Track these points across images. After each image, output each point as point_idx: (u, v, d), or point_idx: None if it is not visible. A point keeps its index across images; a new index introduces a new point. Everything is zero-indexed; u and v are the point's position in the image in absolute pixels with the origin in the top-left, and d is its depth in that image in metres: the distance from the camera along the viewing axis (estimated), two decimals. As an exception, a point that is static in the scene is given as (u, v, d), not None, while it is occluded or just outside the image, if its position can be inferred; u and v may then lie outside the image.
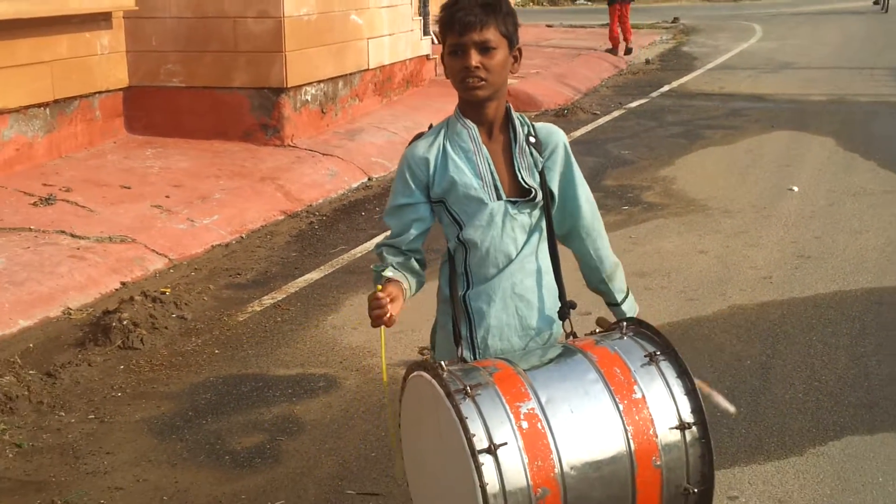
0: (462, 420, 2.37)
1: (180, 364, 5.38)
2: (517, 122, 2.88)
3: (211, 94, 9.98)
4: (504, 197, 2.84)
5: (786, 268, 6.62)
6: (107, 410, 4.85)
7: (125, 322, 5.66)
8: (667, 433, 2.50)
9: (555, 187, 2.91)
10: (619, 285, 3.06)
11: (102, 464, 4.34)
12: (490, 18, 2.73)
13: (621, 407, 2.49)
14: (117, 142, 9.83)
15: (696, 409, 2.53)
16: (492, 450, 2.35)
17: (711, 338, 5.52)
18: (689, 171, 9.33)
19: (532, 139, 2.89)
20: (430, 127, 2.95)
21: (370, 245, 7.43)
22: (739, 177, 9.14)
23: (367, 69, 11.47)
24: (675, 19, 23.56)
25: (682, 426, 2.51)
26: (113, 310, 5.85)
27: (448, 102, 11.34)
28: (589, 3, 30.69)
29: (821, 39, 19.74)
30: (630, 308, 3.06)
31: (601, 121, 11.90)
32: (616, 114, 12.45)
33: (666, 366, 2.58)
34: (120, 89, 9.95)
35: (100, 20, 9.52)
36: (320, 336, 5.74)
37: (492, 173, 2.84)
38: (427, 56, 13.22)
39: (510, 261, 2.86)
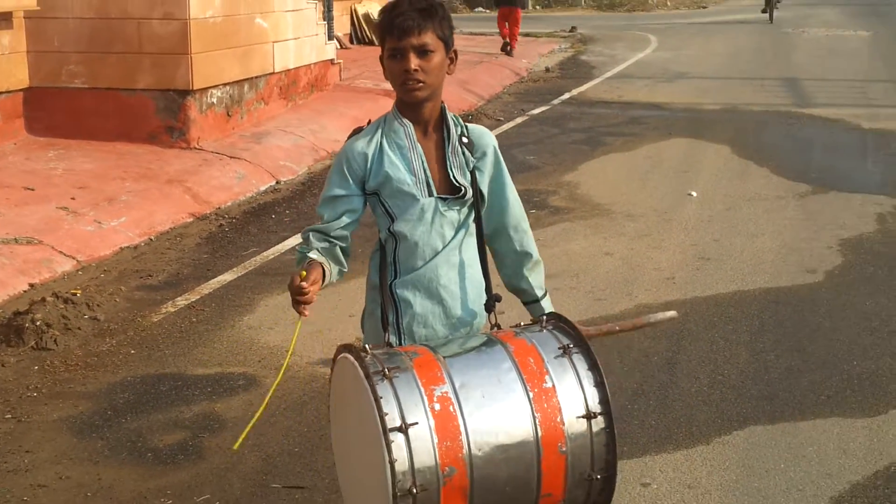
0: (377, 399, 2.48)
1: (96, 364, 5.36)
2: (451, 122, 3.01)
3: (114, 96, 9.88)
4: (435, 194, 2.96)
5: (687, 269, 6.88)
6: (23, 410, 4.81)
7: (38, 323, 5.61)
8: (574, 421, 2.61)
9: (484, 188, 3.04)
10: (538, 282, 3.19)
11: (23, 462, 4.32)
12: (428, 23, 2.85)
13: (531, 395, 2.60)
14: (17, 143, 9.66)
15: (603, 401, 2.64)
16: (403, 428, 2.47)
17: (619, 335, 5.70)
18: (593, 177, 9.58)
19: (465, 139, 3.02)
20: (369, 123, 3.06)
21: (282, 247, 7.48)
22: (640, 182, 9.42)
23: (273, 73, 11.47)
24: (573, 28, 23.98)
25: (589, 416, 2.62)
26: (24, 311, 5.79)
27: (352, 107, 11.46)
28: (487, 10, 31.01)
29: (713, 50, 20.34)
30: (548, 306, 3.18)
31: (505, 127, 12.10)
32: (519, 120, 12.69)
33: (578, 358, 2.69)
34: (20, 90, 9.79)
35: (0, 20, 9.35)
36: (237, 336, 5.77)
37: (425, 170, 2.96)
38: (332, 60, 13.26)
39: (436, 253, 2.98)
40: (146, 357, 5.47)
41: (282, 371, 3.50)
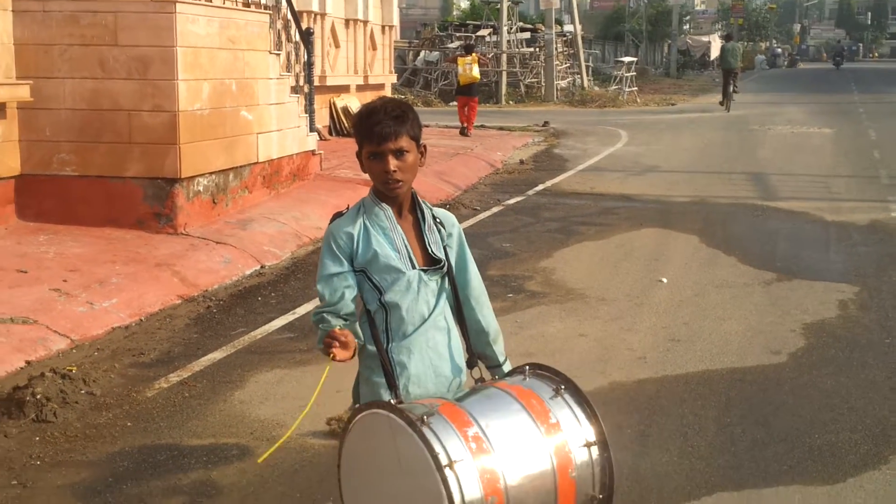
0: (426, 441, 2.83)
1: (95, 435, 5.59)
2: (423, 205, 3.40)
3: (104, 184, 10.21)
4: (417, 266, 3.32)
5: (659, 349, 7.20)
6: (28, 477, 5.03)
7: (38, 396, 5.84)
8: (578, 450, 3.06)
9: (452, 262, 3.46)
10: (500, 349, 3.60)
11: (30, 525, 4.54)
12: (402, 128, 3.27)
13: (542, 429, 3.03)
14: (8, 228, 9.95)
15: (598, 430, 3.10)
16: (451, 465, 2.82)
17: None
18: (567, 264, 9.95)
19: (437, 220, 3.44)
20: (348, 208, 3.44)
21: (269, 327, 7.76)
22: (613, 269, 9.80)
23: (257, 162, 11.86)
24: (546, 123, 24.67)
25: (588, 444, 3.08)
26: (24, 385, 6.02)
27: (333, 196, 11.84)
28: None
29: (682, 145, 20.99)
30: (509, 369, 3.54)
31: (482, 216, 12.52)
32: (495, 209, 13.11)
33: (569, 397, 3.15)
34: (12, 177, 10.11)
35: (-4, 110, 9.72)
36: (229, 410, 6.02)
37: (406, 247, 3.36)
38: (313, 151, 13.69)
39: (424, 320, 3.35)
40: (142, 429, 5.70)
41: (308, 406, 3.69)
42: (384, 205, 3.35)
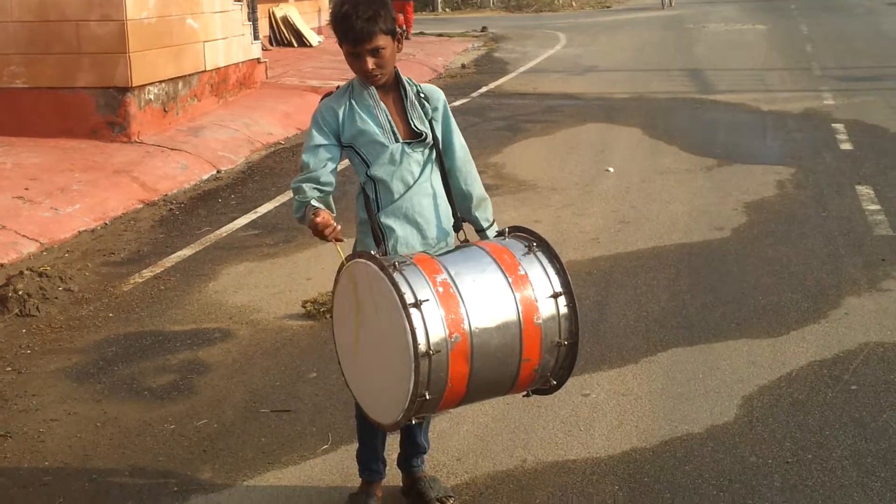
0: (395, 283, 3.11)
1: (79, 326, 5.83)
2: (405, 83, 3.64)
3: (55, 95, 10.26)
4: (400, 140, 3.58)
5: (610, 231, 7.57)
6: (21, 364, 5.28)
7: (20, 292, 6.05)
8: (544, 300, 3.32)
9: (438, 134, 3.68)
10: (485, 215, 3.84)
11: (31, 403, 4.80)
12: (374, 27, 3.46)
13: (510, 279, 3.30)
14: (-38, 141, 9.98)
15: (565, 283, 3.37)
16: (417, 304, 3.10)
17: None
18: (516, 158, 10.25)
19: (422, 95, 3.67)
20: (338, 88, 3.67)
21: (234, 226, 7.98)
22: (561, 161, 10.12)
23: (205, 70, 11.92)
24: (484, 28, 24.74)
25: (556, 295, 3.34)
26: (3, 283, 6.22)
27: (280, 102, 12.07)
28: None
29: (619, 45, 21.23)
30: (493, 234, 3.82)
31: (429, 118, 12.72)
32: (441, 112, 13.31)
33: (541, 254, 3.42)
34: (-38, 91, 10.12)
35: (-56, 21, 9.68)
36: (205, 299, 6.28)
37: (389, 123, 3.60)
38: (258, 59, 13.74)
39: (408, 187, 3.60)
40: (124, 319, 5.96)
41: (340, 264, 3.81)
42: (368, 85, 3.59)
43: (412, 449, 3.87)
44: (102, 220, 8.19)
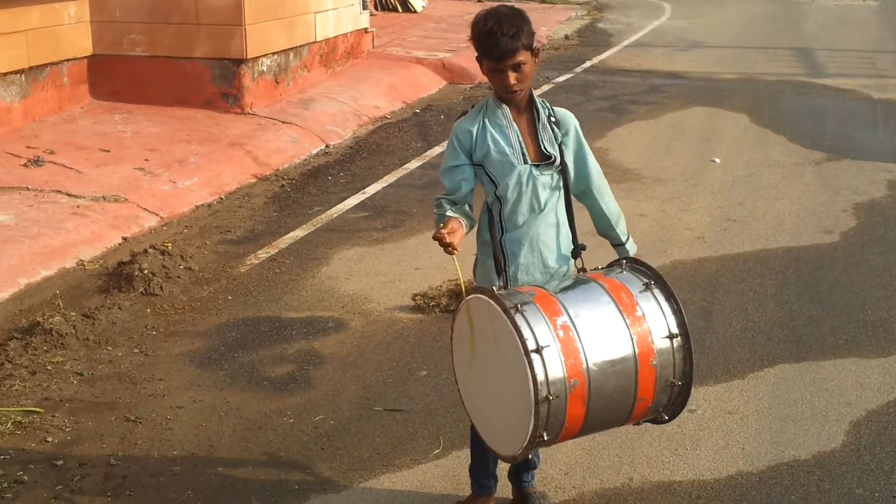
0: (517, 328, 3.22)
1: (200, 308, 6.09)
2: (539, 104, 3.73)
3: (172, 64, 10.54)
4: (529, 162, 3.68)
5: (716, 229, 7.58)
6: (148, 346, 5.55)
7: (145, 271, 6.32)
8: (660, 341, 3.41)
9: (569, 160, 3.80)
10: (622, 230, 3.97)
11: (159, 388, 5.06)
12: (519, 44, 3.56)
13: (628, 321, 3.39)
14: (84, 107, 10.34)
15: (681, 324, 3.45)
16: (538, 349, 3.21)
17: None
18: (621, 143, 10.26)
19: (553, 119, 3.76)
20: (472, 107, 3.78)
21: (343, 206, 8.18)
22: (666, 149, 10.10)
23: (315, 41, 12.11)
24: (588, -5, 24.53)
25: (671, 336, 3.42)
26: (128, 261, 6.50)
27: (387, 74, 12.17)
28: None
29: (726, 18, 20.89)
30: (631, 247, 3.98)
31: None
32: (545, 88, 13.33)
33: (658, 292, 3.50)
34: (85, 57, 10.45)
35: (68, -8, 10.01)
36: (319, 285, 6.49)
37: (520, 143, 3.70)
38: (366, 29, 13.87)
39: (535, 213, 3.71)
40: (242, 303, 6.19)
41: (462, 285, 3.85)
42: (503, 104, 3.69)
43: (523, 464, 4.01)
44: (218, 195, 8.45)
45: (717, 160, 9.55)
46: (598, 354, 3.31)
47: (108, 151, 8.92)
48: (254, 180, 8.93)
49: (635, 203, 8.22)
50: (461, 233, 3.57)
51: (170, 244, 7.03)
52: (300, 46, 11.74)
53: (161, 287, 6.29)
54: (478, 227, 3.81)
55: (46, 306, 5.89)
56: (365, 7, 14.23)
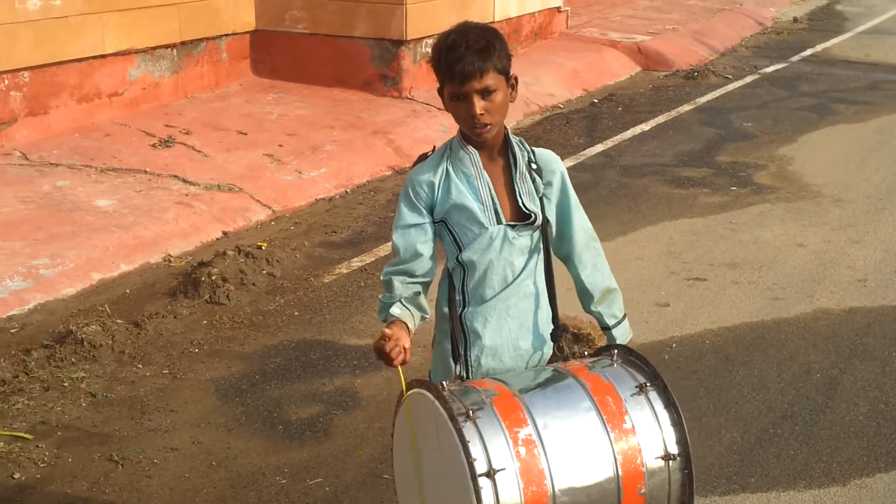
0: (465, 445, 2.49)
1: (260, 323, 5.61)
2: (516, 148, 2.95)
3: (333, 42, 10.14)
4: (504, 221, 2.91)
5: (884, 271, 6.41)
6: (181, 367, 5.11)
7: (214, 277, 5.91)
8: (652, 462, 2.62)
9: (551, 215, 2.99)
10: (611, 311, 3.12)
11: (165, 422, 4.61)
12: (487, 63, 2.78)
13: (612, 436, 2.61)
14: (243, 84, 10.12)
15: (681, 441, 2.64)
16: (490, 474, 2.47)
17: (787, 344, 5.43)
18: (809, 151, 9.04)
19: (533, 165, 2.97)
20: (434, 150, 3.01)
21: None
22: (861, 160, 8.82)
23: (493, 21, 11.40)
24: (835, -28, 22.55)
25: (668, 457, 2.63)
26: (207, 262, 6.10)
27: (572, 58, 11.19)
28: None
29: None
30: (622, 335, 3.12)
31: (731, 87, 11.57)
32: (749, 79, 12.09)
33: (654, 396, 2.69)
34: (247, 32, 10.21)
35: (230, -35, 9.77)
36: (396, 307, 5.86)
37: (492, 198, 2.92)
38: (558, 8, 13.04)
39: (507, 284, 2.93)
40: (307, 321, 5.66)
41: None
42: (471, 148, 2.91)
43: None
44: (344, 188, 7.98)
45: (918, 180, 8.23)
46: (568, 479, 2.54)
47: (245, 134, 8.62)
48: (388, 172, 8.40)
49: (797, 230, 7.12)
50: (408, 339, 2.80)
51: (264, 244, 6.61)
52: (476, 26, 11.07)
53: (228, 296, 5.86)
54: (437, 297, 3.06)
55: (92, 313, 5.55)
56: (561, -17, 13.40)
